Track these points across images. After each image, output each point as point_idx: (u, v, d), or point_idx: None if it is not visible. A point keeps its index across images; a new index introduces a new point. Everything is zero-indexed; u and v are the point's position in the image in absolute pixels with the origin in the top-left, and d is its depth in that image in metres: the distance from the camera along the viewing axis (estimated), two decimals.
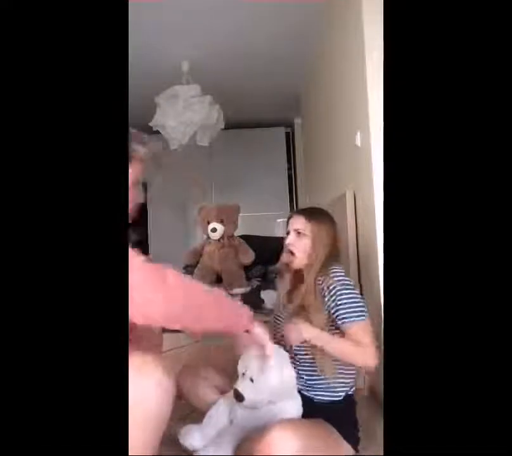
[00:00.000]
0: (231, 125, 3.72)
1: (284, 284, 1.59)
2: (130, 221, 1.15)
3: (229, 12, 2.80)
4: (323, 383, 1.43)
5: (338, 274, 1.42)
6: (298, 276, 1.53)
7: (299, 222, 1.51)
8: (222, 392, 1.50)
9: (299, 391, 1.41)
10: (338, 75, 2.65)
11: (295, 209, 5.04)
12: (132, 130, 1.17)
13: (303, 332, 1.36)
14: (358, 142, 2.20)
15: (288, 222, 1.57)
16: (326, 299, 1.41)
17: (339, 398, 1.43)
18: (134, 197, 1.21)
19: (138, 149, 1.20)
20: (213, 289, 1.15)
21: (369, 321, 1.40)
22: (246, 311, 1.23)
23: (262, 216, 4.71)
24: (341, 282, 1.41)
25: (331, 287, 1.41)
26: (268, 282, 2.61)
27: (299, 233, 1.50)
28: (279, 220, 4.87)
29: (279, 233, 4.60)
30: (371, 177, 2.01)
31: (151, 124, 3.27)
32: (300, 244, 1.49)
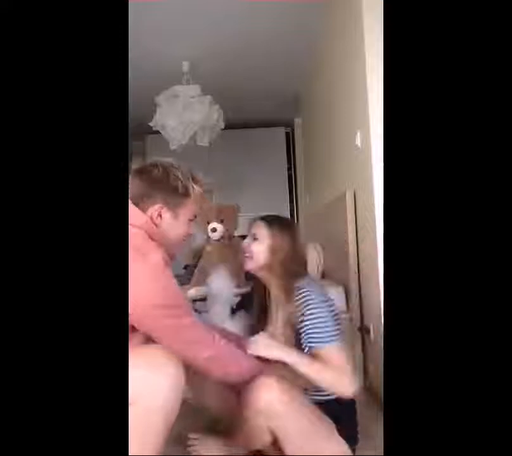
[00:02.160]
0: (231, 125, 3.72)
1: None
2: (174, 253, 1.30)
3: (229, 12, 2.80)
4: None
5: (304, 293, 1.37)
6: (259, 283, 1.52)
7: (259, 227, 1.48)
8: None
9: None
10: (338, 75, 2.65)
11: (295, 209, 5.05)
12: (190, 170, 1.27)
13: (275, 350, 1.33)
14: (358, 142, 2.20)
15: (249, 227, 1.53)
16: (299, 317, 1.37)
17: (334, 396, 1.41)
18: (188, 231, 1.30)
19: (197, 189, 1.27)
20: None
21: (341, 344, 1.34)
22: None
23: None
24: (308, 302, 1.35)
25: (299, 307, 1.36)
26: None
27: (255, 238, 1.47)
28: None
29: None
30: (371, 177, 2.01)
31: (151, 124, 3.27)
32: (255, 248, 1.46)
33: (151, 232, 1.20)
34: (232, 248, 2.68)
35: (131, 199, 1.21)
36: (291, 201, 5.02)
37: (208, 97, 3.21)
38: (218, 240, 2.66)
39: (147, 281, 1.10)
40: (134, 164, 4.92)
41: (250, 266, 1.47)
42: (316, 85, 3.42)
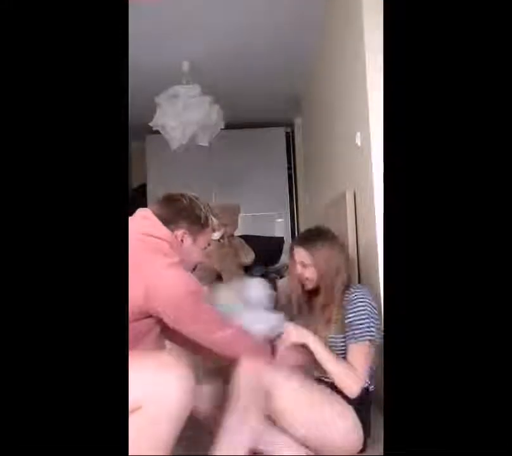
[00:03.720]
0: (231, 125, 3.71)
1: (292, 305, 1.65)
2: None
3: (229, 12, 2.80)
4: None
5: (357, 291, 1.51)
6: (312, 293, 1.62)
7: (301, 255, 1.57)
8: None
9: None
10: (338, 75, 2.65)
11: (295, 209, 5.05)
12: (206, 203, 1.43)
13: (305, 336, 1.44)
14: (358, 142, 2.20)
15: (290, 252, 1.63)
16: (345, 314, 1.49)
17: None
18: (200, 258, 1.49)
19: (214, 220, 1.43)
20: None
21: (372, 344, 1.44)
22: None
23: (262, 216, 4.71)
24: (357, 299, 1.49)
25: (349, 303, 1.50)
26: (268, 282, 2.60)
27: (304, 265, 1.56)
28: (278, 220, 4.87)
29: (279, 233, 4.61)
30: (371, 177, 2.01)
31: (151, 124, 3.27)
32: (308, 273, 1.56)
33: (175, 247, 1.34)
34: (232, 248, 2.68)
35: None
36: (291, 201, 5.01)
37: (208, 97, 3.21)
38: (218, 240, 2.66)
39: (176, 272, 1.26)
40: (141, 182, 4.93)
41: (310, 287, 1.59)
42: (316, 85, 3.42)
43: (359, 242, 2.29)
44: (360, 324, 1.44)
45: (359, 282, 2.27)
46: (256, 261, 2.72)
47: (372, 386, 1.50)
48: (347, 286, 1.55)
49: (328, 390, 1.41)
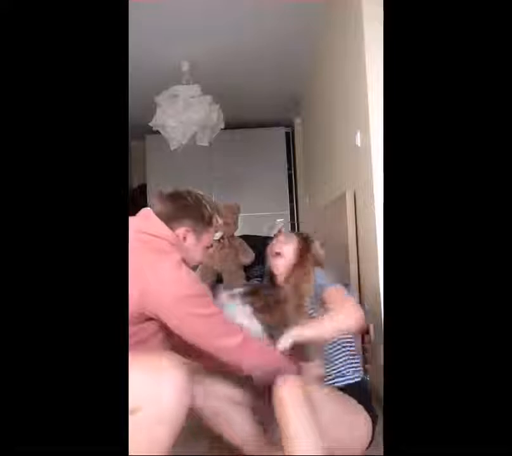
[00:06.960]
0: (231, 125, 3.72)
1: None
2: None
3: (229, 12, 2.80)
4: (335, 368, 1.48)
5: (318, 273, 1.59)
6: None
7: (278, 245, 1.68)
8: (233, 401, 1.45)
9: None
10: (338, 75, 2.66)
11: (295, 209, 5.06)
12: (212, 201, 1.41)
13: (289, 337, 1.36)
14: (358, 142, 2.20)
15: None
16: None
17: (354, 381, 1.47)
18: (202, 258, 1.46)
19: (218, 220, 1.41)
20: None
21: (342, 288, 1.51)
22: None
23: (262, 216, 4.71)
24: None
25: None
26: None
27: (277, 254, 1.67)
28: (278, 220, 4.87)
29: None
30: (371, 177, 2.01)
31: (151, 124, 3.27)
32: (280, 263, 1.67)
33: (176, 245, 1.31)
34: (232, 248, 2.69)
35: (160, 219, 1.34)
36: (291, 201, 5.02)
37: (208, 97, 3.21)
38: (218, 240, 2.66)
39: (174, 274, 1.21)
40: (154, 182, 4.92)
41: (280, 279, 1.67)
42: (316, 85, 3.43)
43: (359, 242, 2.29)
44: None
45: (359, 282, 2.28)
46: (256, 261, 2.72)
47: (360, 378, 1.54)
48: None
49: (340, 392, 1.41)
